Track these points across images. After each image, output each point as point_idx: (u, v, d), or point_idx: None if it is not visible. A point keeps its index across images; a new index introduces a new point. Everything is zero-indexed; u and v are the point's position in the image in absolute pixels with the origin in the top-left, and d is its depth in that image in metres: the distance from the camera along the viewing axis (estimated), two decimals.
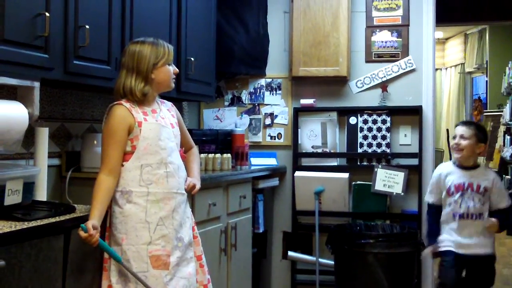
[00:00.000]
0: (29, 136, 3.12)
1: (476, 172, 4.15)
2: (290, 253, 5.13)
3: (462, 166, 4.16)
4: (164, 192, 2.92)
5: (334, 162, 5.20)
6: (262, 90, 5.40)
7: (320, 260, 4.94)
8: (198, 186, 3.19)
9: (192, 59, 4.23)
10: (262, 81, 5.41)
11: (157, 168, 2.92)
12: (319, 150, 5.20)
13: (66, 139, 3.66)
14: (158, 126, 2.97)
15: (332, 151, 5.18)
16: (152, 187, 2.90)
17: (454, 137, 4.17)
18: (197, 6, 4.40)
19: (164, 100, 3.20)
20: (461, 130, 4.16)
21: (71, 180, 3.52)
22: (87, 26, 3.11)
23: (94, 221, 2.70)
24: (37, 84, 2.86)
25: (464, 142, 4.10)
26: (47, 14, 2.81)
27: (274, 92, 5.39)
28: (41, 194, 3.05)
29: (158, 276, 2.85)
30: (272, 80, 5.39)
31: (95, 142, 3.60)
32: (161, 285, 2.85)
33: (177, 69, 3.12)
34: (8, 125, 2.66)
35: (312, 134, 5.21)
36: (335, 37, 5.06)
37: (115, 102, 2.97)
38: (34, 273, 2.42)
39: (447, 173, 4.19)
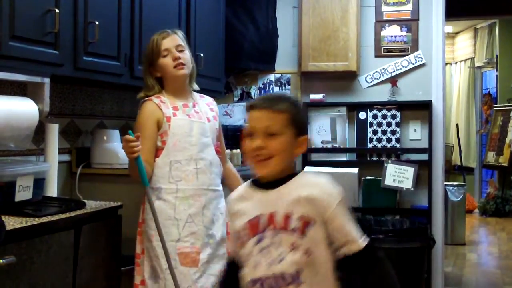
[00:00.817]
0: (39, 132, 3.13)
1: (285, 189, 1.94)
2: None
3: (262, 183, 1.99)
4: (193, 189, 2.91)
5: (343, 157, 5.19)
6: (271, 86, 5.39)
7: None
8: None
9: (202, 54, 4.23)
10: (271, 77, 5.40)
11: (186, 164, 2.91)
12: (329, 145, 5.19)
13: (76, 135, 3.67)
14: (189, 121, 2.96)
15: (341, 146, 5.17)
16: (182, 183, 2.90)
17: (250, 135, 1.94)
18: (206, 2, 4.39)
19: (205, 95, 3.21)
20: (263, 117, 1.93)
21: (81, 176, 3.54)
22: (97, 22, 3.11)
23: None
24: (47, 80, 2.88)
25: (273, 144, 1.92)
26: (56, 10, 2.81)
27: (283, 87, 5.37)
28: (52, 190, 3.06)
29: (186, 273, 2.85)
30: (281, 75, 5.38)
31: (105, 138, 3.62)
32: (190, 282, 2.85)
33: (176, 54, 3.00)
34: (18, 121, 2.67)
35: (321, 129, 5.20)
36: (344, 32, 5.05)
37: (146, 98, 3.00)
38: (45, 268, 2.43)
39: (238, 202, 2.05)
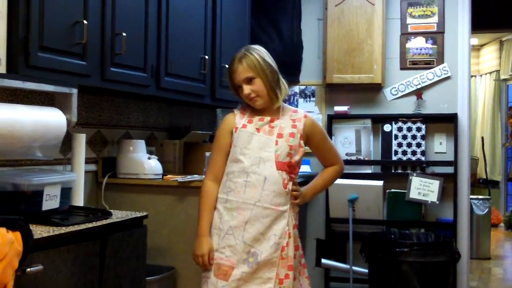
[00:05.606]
0: (66, 142, 3.15)
1: None
2: (323, 260, 5.11)
3: None
4: (239, 201, 2.86)
5: (368, 170, 5.18)
6: (296, 97, 5.40)
7: (354, 268, 4.91)
8: (299, 200, 2.97)
9: (227, 66, 4.23)
10: (296, 88, 5.41)
11: (237, 176, 2.88)
12: (353, 158, 5.18)
13: (102, 145, 3.70)
14: (248, 133, 2.91)
15: (366, 159, 5.16)
16: (231, 195, 2.88)
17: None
18: (231, 14, 4.41)
19: (298, 110, 3.06)
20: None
21: (107, 185, 3.56)
22: (124, 34, 3.14)
23: (207, 239, 2.89)
24: (74, 91, 2.89)
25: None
26: (85, 21, 2.84)
27: (308, 99, 5.38)
28: (78, 199, 3.07)
29: (215, 285, 2.83)
30: (306, 87, 5.39)
31: (130, 148, 3.64)
32: None
33: (245, 91, 2.93)
34: (46, 131, 2.69)
35: (346, 142, 5.19)
36: (369, 44, 5.04)
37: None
38: (71, 278, 2.44)
39: None
